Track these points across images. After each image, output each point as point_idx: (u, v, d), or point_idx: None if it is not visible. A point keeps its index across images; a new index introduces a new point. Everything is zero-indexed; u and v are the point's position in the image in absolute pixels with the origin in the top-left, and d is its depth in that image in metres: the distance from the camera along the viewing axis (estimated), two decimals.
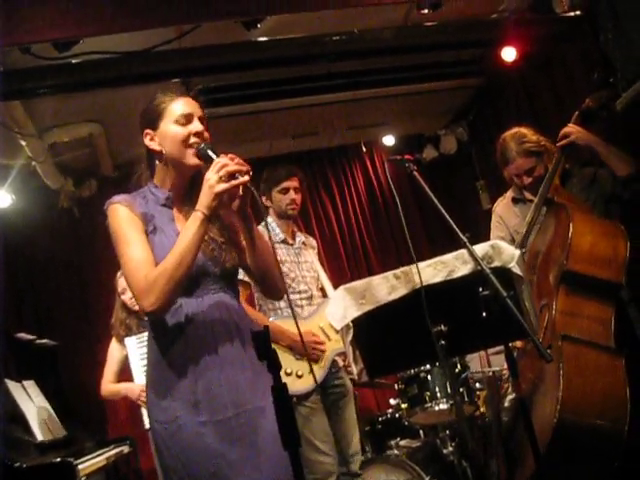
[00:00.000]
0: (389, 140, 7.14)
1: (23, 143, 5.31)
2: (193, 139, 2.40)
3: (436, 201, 2.72)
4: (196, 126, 2.41)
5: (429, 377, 4.17)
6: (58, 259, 6.45)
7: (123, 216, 2.36)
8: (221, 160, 2.26)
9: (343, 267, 7.21)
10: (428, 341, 2.52)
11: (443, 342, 2.52)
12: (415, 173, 2.84)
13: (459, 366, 4.12)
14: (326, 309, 2.71)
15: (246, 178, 2.24)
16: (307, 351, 3.95)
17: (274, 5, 4.23)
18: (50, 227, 6.43)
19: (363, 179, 7.63)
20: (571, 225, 3.36)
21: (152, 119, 2.46)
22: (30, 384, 4.42)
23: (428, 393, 4.13)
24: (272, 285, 2.55)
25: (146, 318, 2.41)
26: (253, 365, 2.32)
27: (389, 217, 7.47)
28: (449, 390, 4.07)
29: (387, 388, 5.26)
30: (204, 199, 2.25)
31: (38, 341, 4.88)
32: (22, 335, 4.75)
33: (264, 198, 4.28)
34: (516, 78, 6.10)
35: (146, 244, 2.33)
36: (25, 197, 6.10)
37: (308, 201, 7.14)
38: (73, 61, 4.34)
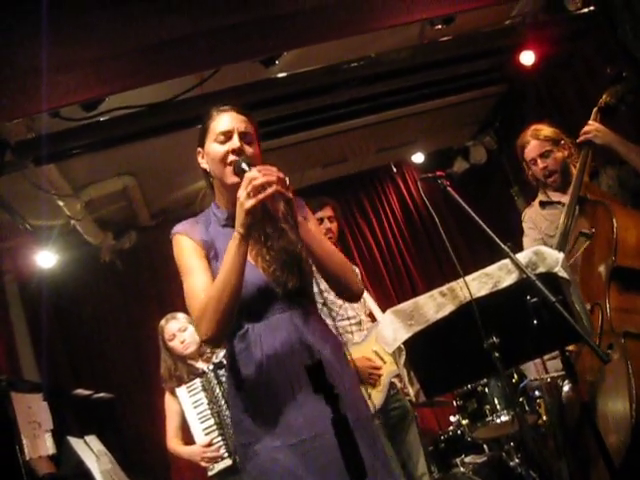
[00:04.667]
0: (418, 158, 7.13)
1: (61, 203, 5.40)
2: (231, 157, 2.35)
3: (473, 214, 2.71)
4: (234, 143, 2.36)
5: (487, 390, 4.12)
6: (107, 313, 6.53)
7: (184, 246, 2.38)
8: (248, 174, 2.19)
9: (388, 290, 7.19)
10: (482, 355, 2.50)
11: (497, 354, 2.49)
12: (449, 189, 2.83)
13: (516, 376, 4.06)
14: (376, 333, 2.70)
15: (274, 188, 2.14)
16: (364, 376, 3.93)
17: (289, 40, 4.27)
18: (95, 283, 6.52)
19: (397, 199, 7.63)
20: (614, 220, 3.31)
21: (201, 137, 2.46)
22: (92, 439, 4.45)
23: (488, 406, 4.08)
24: (344, 289, 2.47)
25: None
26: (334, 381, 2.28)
27: (427, 234, 7.44)
28: (509, 401, 4.01)
29: (446, 406, 5.20)
30: (238, 218, 2.20)
31: (95, 395, 4.93)
32: (79, 391, 4.80)
33: None
34: (538, 80, 6.07)
35: (207, 271, 2.32)
36: (68, 256, 6.18)
37: (345, 228, 7.15)
38: (101, 119, 4.42)
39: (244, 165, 2.28)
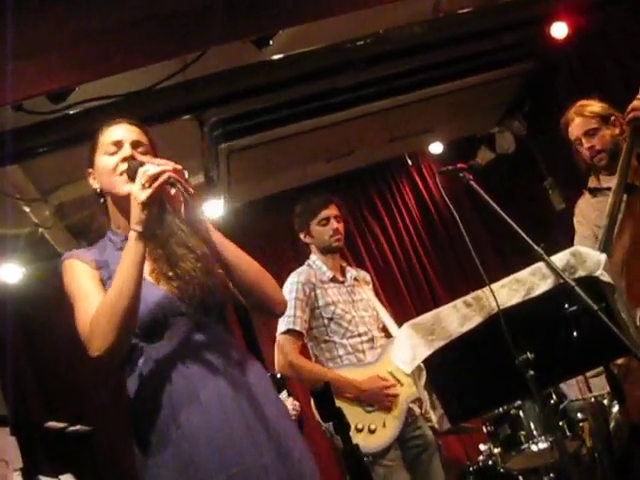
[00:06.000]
0: (437, 148, 7.14)
1: (27, 209, 5.42)
2: (122, 166, 2.38)
3: (501, 211, 2.71)
4: (124, 151, 2.40)
5: (521, 414, 4.12)
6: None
7: (75, 270, 2.37)
8: (142, 168, 2.23)
9: (404, 300, 7.19)
10: (514, 373, 2.49)
11: (532, 372, 2.49)
12: (472, 183, 2.83)
13: (554, 396, 4.07)
14: (392, 351, 2.70)
15: (166, 176, 2.18)
16: (376, 399, 3.94)
17: (285, 17, 4.28)
18: (64, 298, 6.49)
19: (413, 196, 7.64)
20: None
21: (90, 155, 2.49)
22: (67, 478, 4.46)
23: (523, 432, 4.08)
24: (263, 300, 2.43)
25: None
26: (255, 410, 2.27)
27: (449, 235, 7.45)
28: (547, 426, 4.01)
29: (474, 432, 5.19)
30: (133, 215, 2.21)
31: (70, 428, 4.93)
32: (52, 424, 4.81)
33: (302, 235, 4.33)
34: (572, 54, 6.06)
35: (102, 292, 2.30)
36: (37, 269, 6.18)
37: (354, 230, 7.16)
38: (71, 112, 4.44)
39: (137, 167, 2.30)
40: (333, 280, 4.26)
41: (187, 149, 5.38)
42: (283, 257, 6.98)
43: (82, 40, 3.92)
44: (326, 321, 4.11)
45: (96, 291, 2.32)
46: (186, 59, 4.51)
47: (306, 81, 5.02)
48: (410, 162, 7.63)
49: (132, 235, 2.21)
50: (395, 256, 7.42)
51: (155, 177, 2.18)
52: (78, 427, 5.03)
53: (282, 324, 4.07)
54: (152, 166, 2.22)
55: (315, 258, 4.31)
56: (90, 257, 2.40)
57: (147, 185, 2.18)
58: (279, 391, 4.87)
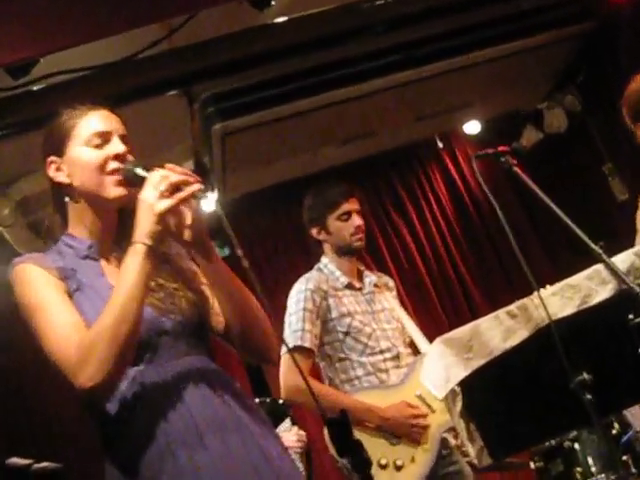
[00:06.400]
0: (473, 127, 7.15)
1: None
2: (113, 164, 2.40)
3: (551, 203, 2.72)
4: (116, 147, 2.43)
5: (577, 446, 4.12)
6: None
7: (33, 276, 2.34)
8: (159, 173, 2.25)
9: (435, 310, 7.19)
10: (568, 398, 2.50)
11: (590, 396, 2.50)
12: (516, 169, 2.84)
13: (617, 426, 4.06)
14: (421, 371, 2.71)
15: (197, 187, 2.22)
16: (403, 430, 3.95)
17: None
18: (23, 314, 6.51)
19: (445, 186, 7.65)
20: None
21: (56, 142, 2.48)
22: None
23: (579, 469, 4.08)
24: (257, 343, 2.51)
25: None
26: (259, 449, 2.30)
27: (487, 232, 7.44)
28: (608, 461, 4.01)
29: (520, 469, 5.20)
30: (144, 225, 2.22)
31: (36, 466, 4.95)
32: (14, 461, 4.83)
33: (315, 231, 4.33)
34: (636, 15, 6.06)
35: (71, 306, 2.30)
36: None
37: (374, 226, 7.17)
38: (34, 88, 4.46)
39: (139, 170, 2.33)
40: (349, 287, 4.27)
41: (174, 130, 5.40)
42: (289, 261, 7.00)
43: (48, 3, 3.94)
44: (341, 335, 4.12)
45: (66, 306, 2.30)
46: (171, 24, 4.52)
47: (315, 49, 5.02)
48: (441, 145, 7.64)
49: (139, 249, 2.21)
50: (423, 257, 7.42)
51: (177, 186, 2.20)
52: (46, 464, 5.05)
53: (288, 340, 4.07)
54: (167, 172, 2.24)
55: (327, 261, 4.31)
56: (50, 263, 2.38)
57: (167, 194, 2.19)
58: (282, 419, 4.88)
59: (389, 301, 4.38)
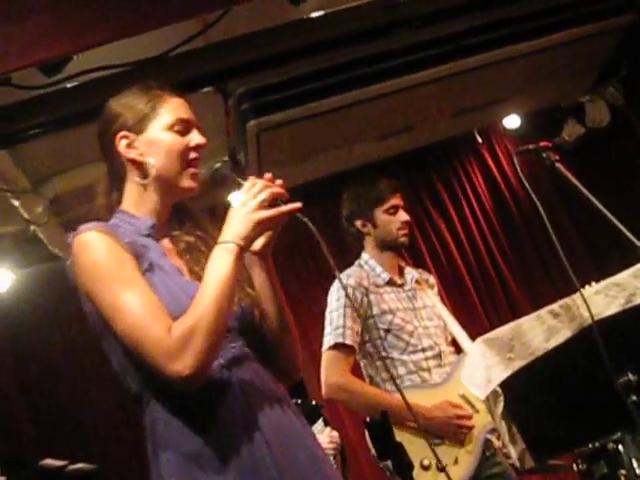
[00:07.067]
0: (513, 122, 7.12)
1: (16, 203, 5.48)
2: (193, 154, 2.47)
3: (594, 199, 2.70)
4: (198, 138, 2.48)
5: (621, 448, 4.09)
6: (84, 355, 6.50)
7: (107, 247, 2.30)
8: (259, 181, 2.31)
9: (475, 309, 7.17)
10: (613, 399, 2.49)
11: (635, 397, 2.48)
12: (558, 165, 2.83)
13: None
14: (462, 372, 2.71)
15: (298, 205, 2.30)
16: (448, 431, 3.93)
17: None
18: (66, 312, 6.50)
19: (484, 182, 7.62)
20: None
21: (135, 119, 2.49)
22: None
23: (623, 472, 4.05)
24: (287, 360, 2.55)
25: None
26: (314, 459, 2.32)
27: (528, 229, 7.41)
28: None
29: (563, 471, 5.17)
30: (239, 227, 2.26)
31: (71, 467, 4.98)
32: (48, 462, 4.85)
33: (359, 223, 4.33)
34: None
35: (149, 286, 2.28)
36: (28, 274, 6.22)
37: (412, 223, 7.13)
38: (68, 85, 4.48)
39: (229, 172, 2.44)
40: (390, 283, 4.26)
41: (209, 127, 5.35)
42: (325, 260, 6.98)
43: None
44: (382, 333, 4.11)
45: (143, 283, 2.27)
46: (206, 19, 4.53)
47: (350, 43, 5.02)
48: (480, 140, 7.62)
49: (232, 249, 2.25)
50: (463, 254, 7.40)
51: (276, 198, 2.29)
52: (80, 465, 5.07)
53: (329, 337, 4.07)
54: (267, 182, 2.32)
55: (368, 257, 4.31)
56: (124, 238, 2.35)
57: (267, 204, 2.27)
58: (315, 420, 4.88)
59: (431, 298, 4.37)
